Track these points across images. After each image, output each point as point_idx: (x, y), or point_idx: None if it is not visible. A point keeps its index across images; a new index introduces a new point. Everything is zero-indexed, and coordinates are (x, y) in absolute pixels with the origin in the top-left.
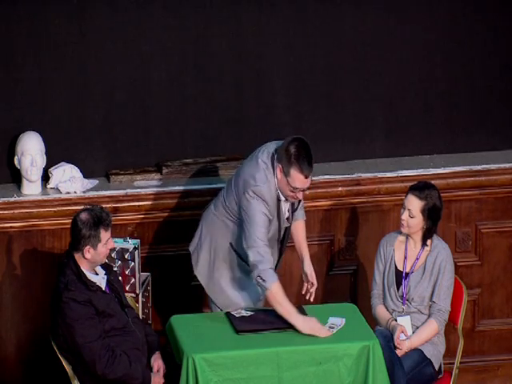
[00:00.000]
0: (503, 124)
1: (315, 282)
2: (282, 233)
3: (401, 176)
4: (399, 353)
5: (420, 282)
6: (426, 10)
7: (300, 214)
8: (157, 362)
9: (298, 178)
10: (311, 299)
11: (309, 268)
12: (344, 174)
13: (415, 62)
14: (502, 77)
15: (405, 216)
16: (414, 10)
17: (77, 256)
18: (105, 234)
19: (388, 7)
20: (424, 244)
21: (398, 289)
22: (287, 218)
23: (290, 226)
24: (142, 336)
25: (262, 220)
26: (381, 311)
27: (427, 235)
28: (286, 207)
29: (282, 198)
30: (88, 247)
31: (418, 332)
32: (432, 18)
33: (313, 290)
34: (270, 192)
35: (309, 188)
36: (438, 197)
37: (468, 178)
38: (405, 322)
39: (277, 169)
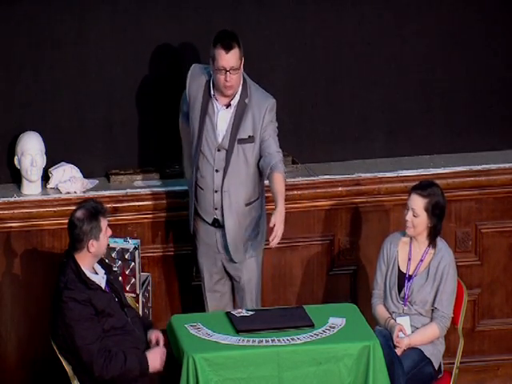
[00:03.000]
0: (503, 124)
1: (276, 233)
2: (214, 154)
3: (401, 176)
4: (398, 351)
5: (423, 285)
6: (426, 9)
7: (278, 166)
8: (154, 334)
9: (219, 55)
10: (271, 245)
11: (277, 215)
12: (344, 174)
13: (415, 62)
14: (502, 77)
15: (409, 216)
16: (414, 9)
17: (78, 255)
18: (104, 222)
19: (388, 7)
20: (431, 243)
21: (399, 291)
22: (225, 140)
23: (229, 153)
24: (142, 335)
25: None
26: (380, 311)
27: (433, 233)
28: (223, 118)
29: (213, 95)
30: (92, 241)
31: (419, 332)
32: (432, 18)
33: (272, 239)
34: (195, 72)
35: (231, 80)
36: (441, 194)
37: (468, 178)
38: (404, 321)
39: (210, 64)
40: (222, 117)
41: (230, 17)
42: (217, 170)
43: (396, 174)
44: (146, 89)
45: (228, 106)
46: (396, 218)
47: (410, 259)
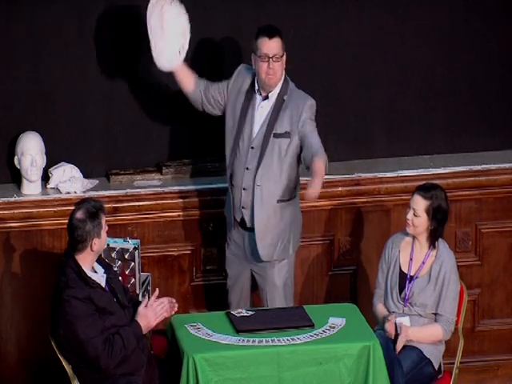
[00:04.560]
0: (503, 124)
1: (315, 183)
2: (247, 152)
3: (401, 176)
4: (398, 345)
5: (425, 288)
6: (426, 10)
7: (319, 153)
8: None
9: (263, 43)
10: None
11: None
12: (344, 174)
13: (415, 62)
14: (503, 77)
15: (410, 215)
16: (414, 9)
17: (80, 255)
18: (104, 219)
19: (388, 7)
20: (431, 246)
21: (400, 291)
22: (258, 139)
23: (263, 150)
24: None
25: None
26: (380, 309)
27: (433, 236)
28: (261, 112)
29: (257, 89)
30: (95, 239)
31: (422, 328)
32: (432, 18)
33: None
34: (243, 70)
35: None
36: (445, 198)
37: (468, 178)
38: (404, 321)
39: (252, 60)
40: (261, 111)
41: (230, 16)
42: (247, 168)
43: (396, 174)
44: (145, 88)
45: (266, 97)
46: (396, 218)
47: (411, 260)
